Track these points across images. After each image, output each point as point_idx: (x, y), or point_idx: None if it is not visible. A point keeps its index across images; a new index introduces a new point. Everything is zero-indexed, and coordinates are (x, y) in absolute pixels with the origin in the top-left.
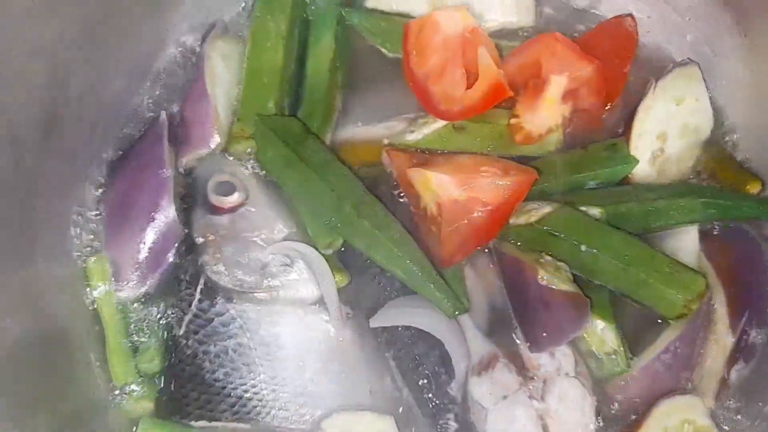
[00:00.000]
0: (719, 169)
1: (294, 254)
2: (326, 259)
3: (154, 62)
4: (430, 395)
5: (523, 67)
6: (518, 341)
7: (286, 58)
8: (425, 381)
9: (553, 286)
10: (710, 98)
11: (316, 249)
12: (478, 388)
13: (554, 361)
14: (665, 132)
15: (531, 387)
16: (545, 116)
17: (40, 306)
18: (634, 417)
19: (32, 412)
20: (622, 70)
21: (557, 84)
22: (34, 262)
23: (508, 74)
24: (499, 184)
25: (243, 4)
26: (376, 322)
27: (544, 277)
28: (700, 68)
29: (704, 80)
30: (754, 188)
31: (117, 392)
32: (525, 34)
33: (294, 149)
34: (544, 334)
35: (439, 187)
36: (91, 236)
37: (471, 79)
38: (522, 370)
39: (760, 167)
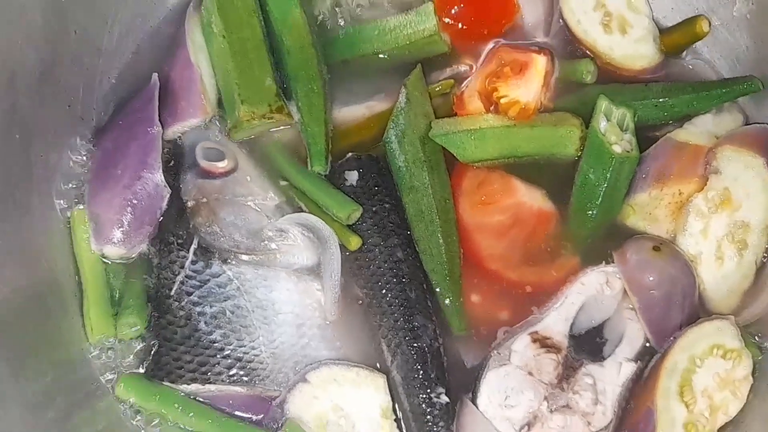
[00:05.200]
0: None
1: (299, 228)
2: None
3: (150, 20)
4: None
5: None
6: None
7: (263, 30)
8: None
9: None
10: None
11: (332, 219)
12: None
13: None
14: None
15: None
16: (534, 88)
17: (35, 254)
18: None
19: (22, 359)
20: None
21: (541, 60)
22: (28, 209)
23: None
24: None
25: None
26: None
27: None
28: None
29: None
30: None
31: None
32: None
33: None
34: None
35: None
36: (82, 188)
37: None
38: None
39: None
